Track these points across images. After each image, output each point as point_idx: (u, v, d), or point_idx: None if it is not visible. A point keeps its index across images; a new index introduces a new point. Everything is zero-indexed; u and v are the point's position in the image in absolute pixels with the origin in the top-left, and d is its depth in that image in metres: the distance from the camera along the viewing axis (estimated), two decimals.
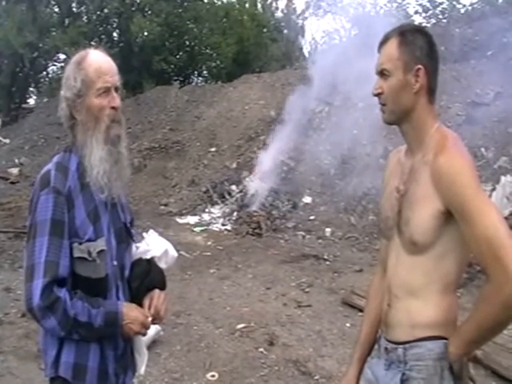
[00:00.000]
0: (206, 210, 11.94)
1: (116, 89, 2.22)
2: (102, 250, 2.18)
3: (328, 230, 10.33)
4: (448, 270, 2.00)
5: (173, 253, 2.67)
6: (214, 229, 10.96)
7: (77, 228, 2.13)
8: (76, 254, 2.11)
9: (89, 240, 2.14)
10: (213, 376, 4.94)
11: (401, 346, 2.08)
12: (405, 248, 2.06)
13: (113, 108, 2.20)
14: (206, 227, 11.01)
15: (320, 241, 10.00)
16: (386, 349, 2.17)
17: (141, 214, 11.55)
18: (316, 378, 4.94)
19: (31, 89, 24.42)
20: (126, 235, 2.39)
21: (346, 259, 8.56)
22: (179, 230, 10.68)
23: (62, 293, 2.05)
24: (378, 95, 2.10)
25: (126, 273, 2.36)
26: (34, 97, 26.95)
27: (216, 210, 11.84)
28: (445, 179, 1.89)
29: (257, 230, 10.49)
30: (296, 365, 5.16)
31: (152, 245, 2.60)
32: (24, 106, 23.11)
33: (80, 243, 2.12)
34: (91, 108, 2.17)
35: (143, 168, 14.55)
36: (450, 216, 1.91)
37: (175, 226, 11.11)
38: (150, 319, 2.29)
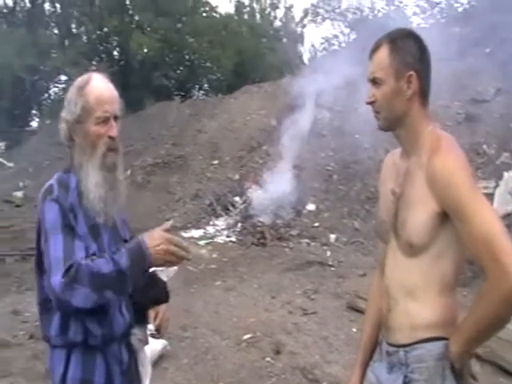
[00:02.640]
0: (211, 223, 11.92)
1: (115, 118, 2.23)
2: None
3: (332, 235, 10.32)
4: (445, 271, 1.99)
5: (174, 267, 2.66)
6: (219, 241, 10.91)
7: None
8: None
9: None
10: None
11: (402, 348, 2.06)
12: (402, 250, 2.06)
13: (110, 137, 2.21)
14: (210, 240, 10.97)
15: (325, 247, 9.98)
16: (387, 352, 2.16)
17: (145, 231, 11.49)
18: None
19: (33, 111, 24.55)
20: None
21: (351, 264, 8.51)
22: None
23: (79, 259, 2.01)
24: (371, 103, 2.10)
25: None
26: (37, 119, 27.10)
27: (220, 222, 11.82)
28: (439, 180, 1.89)
29: (261, 240, 10.46)
30: (303, 372, 5.13)
31: None
32: (27, 128, 23.27)
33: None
34: (89, 134, 2.19)
35: (147, 184, 14.55)
36: (445, 217, 1.91)
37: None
38: (150, 327, 2.31)
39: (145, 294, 2.36)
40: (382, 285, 2.24)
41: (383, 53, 2.04)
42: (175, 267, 2.68)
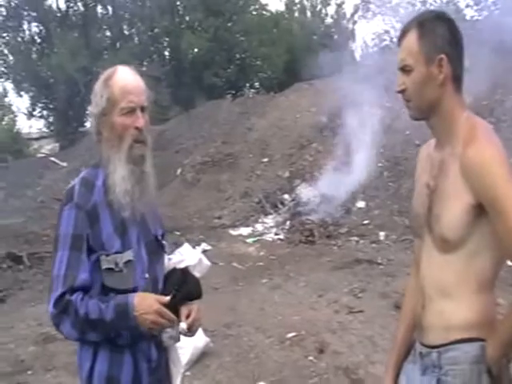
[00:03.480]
0: (259, 221, 11.93)
1: (142, 109, 2.20)
2: (129, 261, 2.16)
3: (382, 233, 10.16)
4: (482, 268, 1.90)
5: (206, 262, 2.64)
6: (267, 239, 10.92)
7: (103, 241, 2.14)
8: (104, 266, 2.12)
9: (116, 252, 2.14)
10: None
11: (435, 349, 1.98)
12: (436, 246, 1.97)
13: (136, 128, 2.18)
14: (258, 238, 10.99)
15: (374, 245, 9.84)
16: (420, 353, 2.07)
17: (194, 228, 11.67)
18: None
19: (87, 112, 24.98)
20: (157, 248, 2.37)
21: (400, 262, 8.30)
22: (232, 242, 10.71)
23: (74, 296, 2.06)
24: (401, 92, 2.01)
25: (160, 285, 2.33)
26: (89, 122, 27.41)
27: (269, 220, 11.82)
28: (475, 171, 1.80)
29: (310, 238, 10.40)
30: (346, 372, 5.03)
31: (186, 254, 2.57)
32: (81, 129, 23.73)
33: (107, 255, 2.12)
34: (115, 126, 2.17)
35: (197, 183, 14.64)
36: (482, 210, 1.82)
37: (228, 238, 11.14)
38: (182, 325, 2.22)
39: (177, 289, 2.28)
40: (418, 282, 2.15)
41: (412, 38, 1.95)
42: (209, 263, 2.64)
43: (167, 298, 2.16)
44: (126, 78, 2.20)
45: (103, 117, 2.18)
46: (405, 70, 1.97)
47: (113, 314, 2.06)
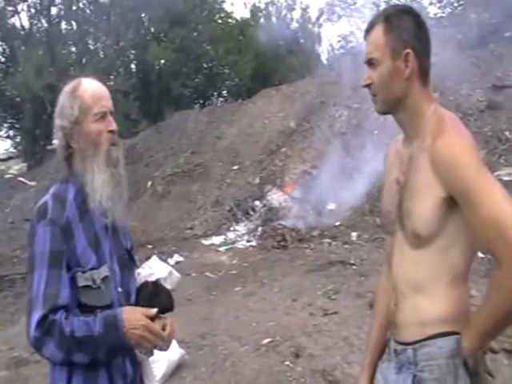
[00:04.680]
0: (231, 229, 11.93)
1: (111, 113, 2.25)
2: (106, 277, 2.15)
3: (354, 234, 10.20)
4: (455, 261, 1.89)
5: (176, 274, 2.58)
6: (239, 246, 10.90)
7: (78, 257, 2.11)
8: (80, 283, 2.09)
9: (92, 268, 2.12)
10: None
11: (410, 346, 1.97)
12: (408, 242, 1.96)
13: (111, 131, 2.21)
14: (231, 246, 10.97)
15: (346, 246, 9.84)
16: (395, 351, 2.06)
17: (166, 241, 11.65)
18: None
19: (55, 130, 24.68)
20: (128, 261, 2.36)
21: (374, 262, 8.34)
22: (204, 252, 10.68)
23: (58, 315, 2.00)
24: (367, 86, 2.01)
25: (132, 298, 2.32)
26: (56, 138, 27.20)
27: (241, 228, 11.83)
28: (445, 163, 1.79)
29: (282, 243, 10.38)
30: (323, 374, 5.01)
31: (155, 267, 2.51)
32: (48, 147, 23.41)
33: (83, 271, 2.10)
34: (89, 134, 2.18)
35: (167, 194, 14.61)
36: (453, 203, 1.81)
37: (200, 247, 11.10)
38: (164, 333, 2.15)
39: (149, 303, 2.26)
40: (389, 280, 2.13)
41: (378, 32, 1.95)
42: (178, 275, 2.60)
43: (154, 311, 2.13)
44: (92, 85, 2.25)
45: (75, 127, 2.18)
46: (371, 63, 1.97)
47: (101, 327, 2.01)
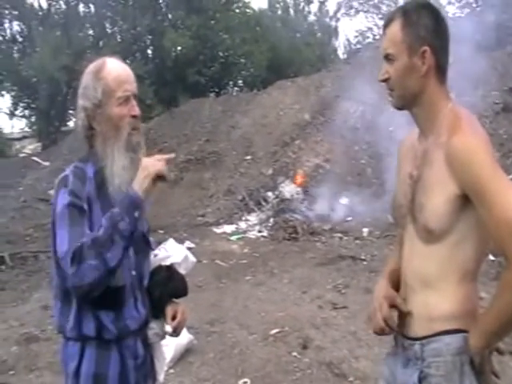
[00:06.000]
0: (243, 218, 11.91)
1: (135, 96, 2.24)
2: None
3: (365, 229, 10.20)
4: (466, 258, 1.89)
5: (192, 258, 2.64)
6: (251, 236, 10.89)
7: None
8: None
9: None
10: (245, 382, 4.87)
11: (418, 341, 1.97)
12: (419, 236, 1.96)
13: (133, 116, 2.20)
14: (242, 235, 10.96)
15: (357, 241, 9.85)
16: (402, 345, 2.07)
17: (177, 227, 11.63)
18: (350, 379, 4.81)
19: (70, 111, 24.81)
20: (143, 244, 2.36)
21: (384, 258, 8.28)
22: (215, 240, 10.68)
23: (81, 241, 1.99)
24: (384, 81, 2.00)
25: (145, 282, 2.33)
26: (73, 119, 27.39)
27: (252, 218, 11.80)
28: (460, 160, 1.78)
29: (293, 235, 10.37)
30: (330, 367, 5.04)
31: (171, 251, 2.56)
32: (63, 128, 23.53)
33: None
34: (112, 117, 2.17)
35: (180, 181, 14.56)
36: (466, 200, 1.81)
37: (212, 235, 11.10)
38: (167, 328, 2.29)
39: (162, 287, 2.32)
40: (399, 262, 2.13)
41: (396, 27, 1.94)
42: (194, 260, 2.63)
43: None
44: (117, 67, 2.22)
45: (98, 109, 2.17)
46: (388, 58, 1.96)
47: (118, 206, 2.05)
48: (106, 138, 2.18)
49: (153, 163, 2.11)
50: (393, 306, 2.10)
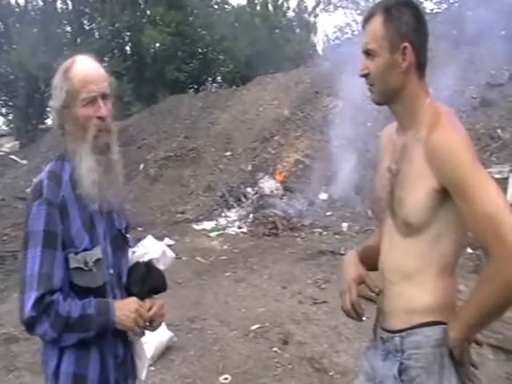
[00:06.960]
0: (223, 215, 11.90)
1: (104, 96, 2.15)
2: (98, 259, 2.14)
3: (345, 224, 10.19)
4: (445, 252, 1.90)
5: (170, 253, 2.61)
6: (231, 232, 10.88)
7: (72, 238, 2.09)
8: (72, 265, 2.08)
9: (85, 250, 2.10)
10: (226, 379, 4.85)
11: (397, 334, 1.98)
12: (398, 230, 1.96)
13: (99, 118, 2.13)
14: (222, 231, 10.95)
15: (337, 236, 9.85)
16: (381, 338, 2.08)
17: (157, 224, 11.59)
18: (331, 373, 4.81)
19: (48, 109, 24.63)
20: (121, 242, 2.33)
21: None
22: (195, 236, 10.66)
23: (55, 296, 2.01)
24: (364, 76, 1.99)
25: (124, 280, 2.31)
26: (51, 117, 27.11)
27: (232, 214, 11.80)
28: (439, 155, 1.79)
29: (273, 231, 10.38)
30: (310, 362, 5.05)
31: (149, 247, 2.53)
32: (41, 126, 23.31)
33: (76, 253, 2.08)
34: (78, 118, 2.12)
35: (159, 178, 14.55)
36: (445, 195, 1.81)
37: (191, 232, 11.08)
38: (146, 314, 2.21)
39: (141, 284, 2.29)
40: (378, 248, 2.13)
41: (377, 23, 1.93)
42: (173, 255, 2.61)
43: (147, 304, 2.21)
44: (85, 67, 2.15)
45: (65, 110, 2.12)
46: (368, 54, 1.96)
47: (94, 309, 2.06)
48: (74, 137, 2.14)
49: (136, 319, 2.13)
50: (362, 282, 2.13)
